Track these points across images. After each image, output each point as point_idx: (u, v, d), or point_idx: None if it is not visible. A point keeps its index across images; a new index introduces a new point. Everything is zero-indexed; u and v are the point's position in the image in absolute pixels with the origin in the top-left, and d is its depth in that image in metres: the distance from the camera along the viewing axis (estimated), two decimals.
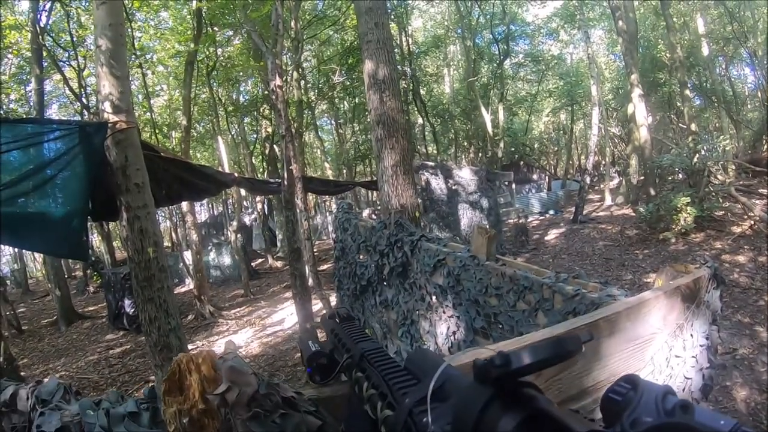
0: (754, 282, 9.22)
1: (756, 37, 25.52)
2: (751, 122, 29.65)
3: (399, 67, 25.94)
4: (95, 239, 29.15)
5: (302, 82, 22.53)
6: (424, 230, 6.79)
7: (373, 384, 0.87)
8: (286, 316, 12.34)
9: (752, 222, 12.65)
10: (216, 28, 16.96)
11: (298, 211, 8.70)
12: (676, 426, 0.45)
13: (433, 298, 3.83)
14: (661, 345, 1.78)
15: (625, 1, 19.95)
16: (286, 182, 8.31)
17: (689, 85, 25.11)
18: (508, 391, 0.55)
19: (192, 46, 14.20)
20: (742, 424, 0.46)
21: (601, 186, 28.42)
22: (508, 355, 0.52)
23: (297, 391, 1.35)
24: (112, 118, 4.51)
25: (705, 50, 25.14)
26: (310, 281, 10.06)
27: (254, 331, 11.83)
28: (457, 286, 3.42)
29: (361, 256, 5.27)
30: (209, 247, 21.59)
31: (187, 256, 17.62)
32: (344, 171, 30.84)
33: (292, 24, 16.11)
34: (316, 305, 9.80)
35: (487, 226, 14.08)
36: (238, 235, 18.59)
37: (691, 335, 1.88)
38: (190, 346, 10.63)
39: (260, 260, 23.45)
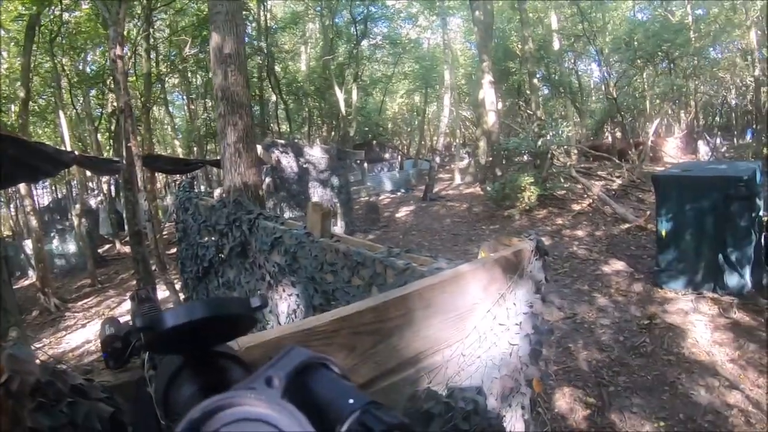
0: (592, 254, 9.91)
1: (604, 37, 27.39)
2: (595, 112, 32.07)
3: (255, 42, 25.35)
4: None
5: (152, 54, 21.31)
6: (268, 209, 6.63)
7: (153, 365, 0.87)
8: None
9: (591, 200, 13.59)
10: None
11: (138, 191, 8.18)
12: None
13: (273, 276, 3.68)
14: (484, 314, 1.76)
15: None
16: (125, 160, 7.80)
17: (538, 76, 26.51)
18: (198, 360, 0.54)
19: (35, 8, 12.96)
20: (375, 407, 0.44)
21: (452, 166, 29.54)
22: (158, 316, 0.48)
23: (87, 378, 1.21)
24: None
25: (556, 45, 26.66)
26: (155, 266, 9.54)
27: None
28: (294, 263, 3.30)
29: (203, 238, 5.03)
30: (52, 234, 19.93)
31: (28, 244, 16.25)
32: (195, 149, 29.81)
33: None
34: (164, 292, 9.31)
35: (338, 204, 14.25)
36: (83, 220, 17.45)
37: (514, 304, 1.87)
38: (35, 345, 9.81)
39: (108, 246, 22.09)
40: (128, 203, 7.96)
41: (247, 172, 6.17)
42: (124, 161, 7.97)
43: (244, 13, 24.13)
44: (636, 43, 23.33)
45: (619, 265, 9.05)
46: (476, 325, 1.72)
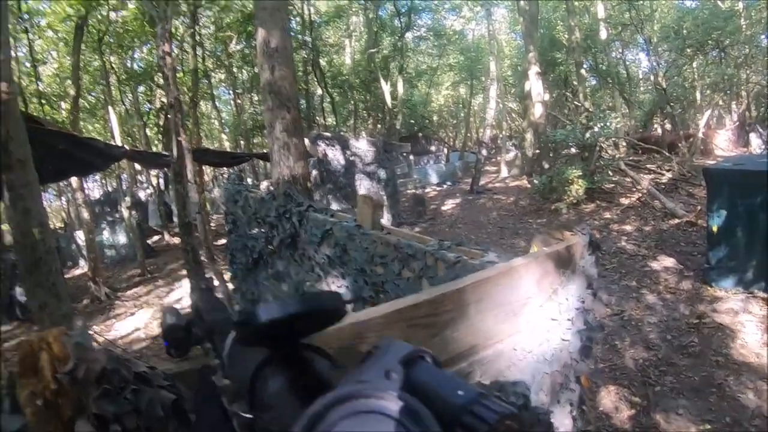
0: (640, 249, 9.74)
1: (652, 25, 26.79)
2: (643, 103, 31.34)
3: (299, 36, 25.53)
4: None
5: (199, 50, 21.68)
6: (316, 201, 6.69)
7: (218, 354, 0.87)
8: (184, 294, 11.97)
9: (640, 194, 13.34)
10: None
11: (188, 184, 8.36)
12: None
13: (322, 268, 3.73)
14: (536, 309, 1.76)
15: None
16: (175, 154, 7.98)
17: (585, 66, 26.11)
18: (284, 353, 0.56)
19: (83, 9, 13.32)
20: (485, 398, 0.44)
21: (498, 158, 29.29)
22: (253, 311, 0.51)
23: (150, 366, 1.26)
24: None
25: (603, 34, 26.10)
26: (204, 257, 9.74)
27: (153, 312, 11.42)
28: (344, 255, 3.34)
29: (253, 229, 5.11)
30: (103, 226, 20.49)
31: (80, 236, 16.74)
32: (242, 142, 30.19)
33: None
34: (213, 281, 9.49)
35: (385, 197, 14.28)
36: (133, 212, 17.87)
37: (567, 299, 1.86)
38: (96, 332, 10.12)
39: (157, 237, 22.59)
40: (179, 196, 8.15)
41: (295, 164, 6.27)
42: (175, 155, 8.15)
43: (288, 7, 24.46)
44: (685, 31, 22.77)
45: (668, 261, 8.87)
46: (528, 320, 1.73)
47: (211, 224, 16.84)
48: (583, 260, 1.95)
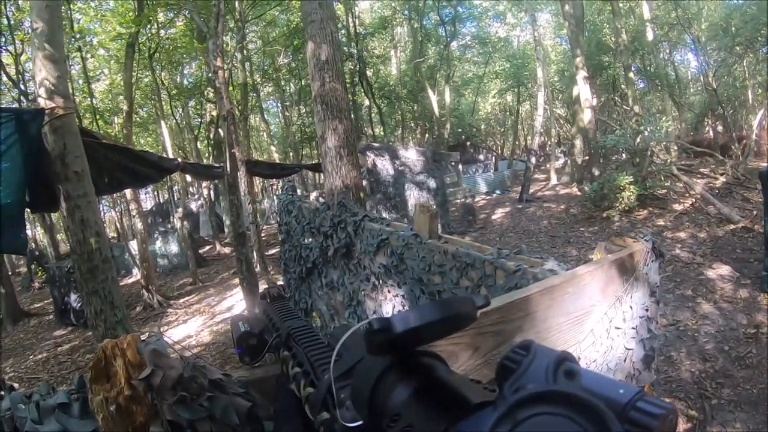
0: (695, 257, 9.50)
1: (699, 24, 26.22)
2: (694, 105, 30.64)
3: (345, 48, 25.81)
4: (38, 232, 28.27)
5: (247, 64, 22.13)
6: (368, 211, 6.76)
7: (298, 362, 0.88)
8: (235, 302, 12.15)
9: (693, 200, 13.05)
10: (158, 9, 16.42)
11: (241, 195, 8.54)
12: (557, 394, 0.40)
13: (378, 278, 3.78)
14: (600, 317, 1.76)
15: None
16: (228, 166, 8.16)
17: (633, 69, 25.64)
18: (404, 360, 0.55)
19: (133, 27, 13.74)
20: (645, 393, 0.42)
21: (547, 166, 28.94)
22: (388, 319, 0.49)
23: (225, 373, 1.31)
24: (49, 103, 4.32)
25: (650, 35, 25.64)
26: (257, 266, 9.91)
27: (204, 320, 11.63)
28: (400, 265, 3.38)
29: (306, 239, 5.20)
30: (155, 236, 21.03)
31: (133, 245, 17.20)
32: (290, 154, 30.63)
33: (236, 4, 15.77)
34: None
35: (434, 207, 14.25)
36: (185, 222, 18.26)
37: (631, 307, 1.87)
38: (171, 339, 10.39)
39: (208, 247, 23.06)
40: (232, 206, 8.31)
41: (348, 174, 6.35)
42: (228, 167, 8.33)
43: (335, 20, 24.76)
44: (733, 28, 22.12)
45: (724, 269, 8.62)
46: (593, 328, 1.73)
47: (262, 235, 17.08)
48: (646, 267, 1.96)
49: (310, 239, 5.07)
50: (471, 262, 2.62)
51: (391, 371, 0.55)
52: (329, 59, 7.07)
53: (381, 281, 3.73)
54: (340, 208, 4.36)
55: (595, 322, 1.75)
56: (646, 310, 1.95)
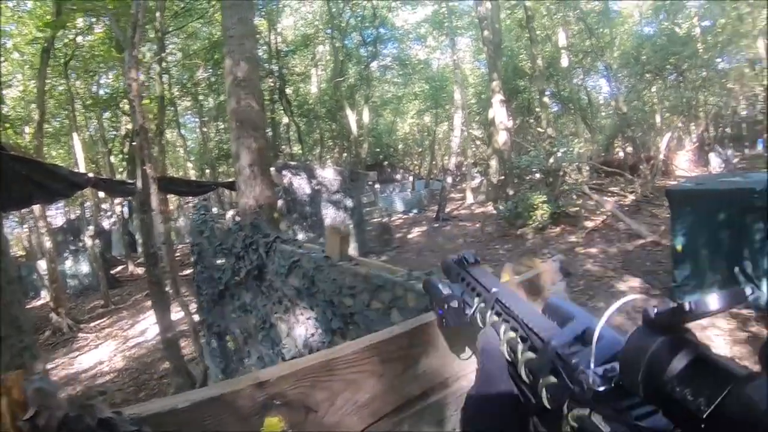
0: (607, 271, 9.84)
1: (612, 52, 27.51)
2: (605, 128, 32.11)
3: (266, 65, 25.60)
4: None
5: (165, 77, 21.56)
6: (282, 231, 6.62)
7: (512, 327, 0.90)
8: (149, 326, 11.73)
9: (604, 217, 13.56)
10: (76, 14, 15.74)
11: (153, 213, 8.22)
12: None
13: (290, 300, 3.67)
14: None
15: (492, 11, 20.73)
16: (140, 183, 7.85)
17: (548, 93, 26.60)
18: (675, 336, 0.60)
19: (49, 31, 13.17)
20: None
21: (463, 185, 29.52)
22: (682, 305, 0.56)
23: (116, 411, 1.18)
24: None
25: (565, 62, 26.72)
26: (171, 287, 9.56)
27: (117, 344, 11.17)
28: (312, 287, 3.29)
29: (219, 260, 5.04)
30: (65, 255, 20.08)
31: (42, 265, 16.36)
32: (207, 171, 30.01)
33: (157, 14, 15.36)
34: (178, 313, 9.30)
35: (351, 226, 14.24)
36: (96, 241, 17.53)
37: None
38: (48, 366, 9.81)
39: (121, 267, 22.20)
40: (143, 225, 8.00)
41: (262, 194, 6.21)
42: (140, 184, 8.02)
43: (256, 37, 24.51)
44: (644, 57, 23.42)
45: (634, 281, 8.96)
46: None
47: (177, 254, 16.57)
48: (554, 287, 1.94)
49: (223, 260, 4.92)
50: (382, 284, 2.57)
51: (664, 346, 0.59)
52: (246, 76, 6.95)
53: (293, 303, 3.64)
54: (253, 229, 4.24)
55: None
56: None
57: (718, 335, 6.36)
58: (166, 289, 8.77)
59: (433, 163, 42.61)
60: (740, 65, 26.88)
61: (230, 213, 7.17)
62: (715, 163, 24.49)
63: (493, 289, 1.03)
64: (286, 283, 3.67)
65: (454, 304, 1.13)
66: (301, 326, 3.58)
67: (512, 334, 0.88)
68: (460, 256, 1.26)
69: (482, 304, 1.04)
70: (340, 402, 1.25)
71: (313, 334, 3.44)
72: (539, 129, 22.89)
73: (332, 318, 3.11)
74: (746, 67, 25.83)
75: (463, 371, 1.59)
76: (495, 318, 0.97)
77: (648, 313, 0.60)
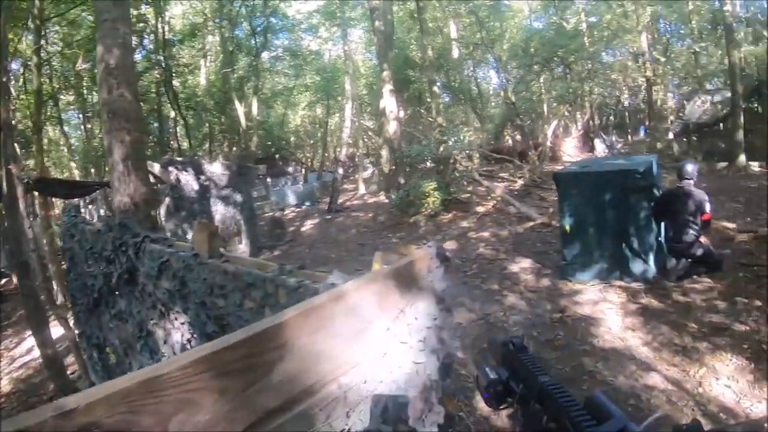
0: (499, 254, 10.07)
1: (502, 44, 28.33)
2: (494, 117, 33.24)
3: (153, 55, 24.60)
4: None
5: (45, 69, 20.09)
6: (168, 231, 6.26)
7: (553, 417, 0.95)
8: (35, 343, 10.88)
9: (495, 202, 13.88)
10: None
11: (21, 218, 7.56)
12: None
13: (164, 304, 3.38)
14: (383, 333, 1.59)
15: (384, 2, 20.77)
16: (5, 186, 7.19)
17: (439, 84, 27.06)
18: None
19: None
20: None
21: (356, 176, 29.66)
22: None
23: None
24: None
25: (455, 53, 27.22)
26: (58, 298, 8.88)
27: (3, 366, 10.29)
28: (183, 288, 3.02)
29: (92, 266, 4.65)
30: None
31: None
32: (92, 170, 28.44)
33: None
34: (57, 328, 8.64)
35: (242, 221, 13.88)
36: None
37: (416, 318, 1.71)
38: None
39: (5, 280, 20.64)
40: (10, 232, 7.33)
41: (137, 190, 5.81)
42: (4, 187, 7.35)
43: (140, 25, 23.34)
44: (533, 49, 24.21)
45: (526, 262, 9.22)
46: (375, 347, 1.55)
47: (62, 262, 15.61)
48: (430, 275, 1.81)
49: (95, 266, 4.54)
50: (252, 281, 2.36)
51: None
52: (119, 64, 6.50)
53: (167, 308, 3.35)
54: (121, 229, 3.90)
55: (376, 339, 1.57)
56: (434, 319, 1.79)
57: (610, 308, 6.57)
58: (41, 301, 8.12)
59: (326, 154, 42.53)
60: (624, 58, 28.38)
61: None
62: (600, 149, 26.01)
63: (538, 378, 1.07)
64: (158, 287, 3.38)
65: (499, 388, 1.19)
66: (177, 332, 3.30)
67: (553, 424, 0.94)
68: (507, 339, 1.28)
69: (525, 391, 1.11)
70: (174, 427, 1.05)
71: (189, 340, 3.18)
72: (430, 119, 23.20)
73: (206, 321, 2.86)
74: (629, 60, 27.21)
75: (331, 375, 1.41)
76: (538, 406, 1.02)
77: None
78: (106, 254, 4.11)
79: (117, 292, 4.16)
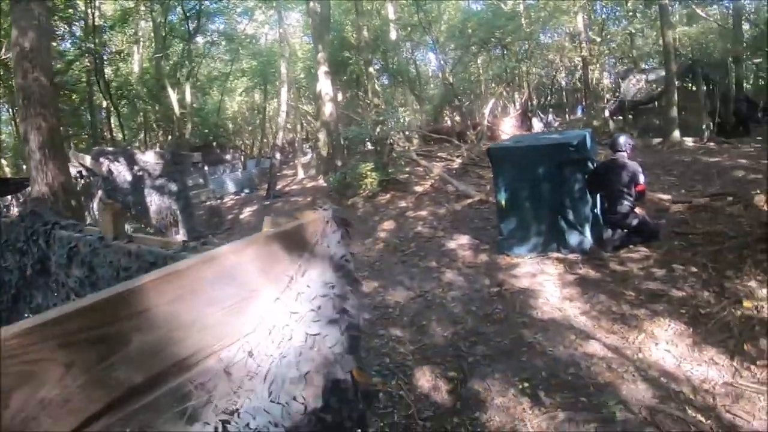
0: (437, 231, 10.16)
1: (439, 26, 28.49)
2: (433, 98, 33.26)
3: (83, 43, 23.81)
4: None
5: None
6: (65, 217, 6.04)
7: None
8: None
9: (432, 181, 13.95)
10: None
11: None
12: None
13: (76, 293, 3.25)
14: (271, 302, 1.52)
15: None
16: None
17: (376, 65, 27.00)
18: None
19: None
20: None
21: (295, 161, 29.49)
22: None
23: None
24: None
25: (393, 35, 27.10)
26: None
27: None
28: (91, 274, 2.90)
29: (7, 261, 4.45)
30: None
31: None
32: (24, 167, 27.37)
33: None
34: None
35: (178, 211, 13.59)
36: None
37: (308, 286, 1.63)
38: None
39: None
40: None
41: (56, 179, 5.59)
42: None
43: (69, 11, 22.46)
44: (470, 30, 24.46)
45: (464, 239, 9.32)
46: (263, 317, 1.48)
47: None
48: (326, 239, 1.74)
49: (11, 259, 4.34)
50: (154, 260, 2.28)
51: None
52: (34, 47, 6.22)
53: (80, 297, 3.22)
54: (33, 218, 3.74)
55: (263, 309, 1.49)
56: (332, 287, 1.71)
57: (548, 280, 6.67)
58: None
59: (264, 141, 41.97)
60: (561, 39, 28.87)
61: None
62: (538, 127, 26.67)
63: None
64: (69, 275, 3.25)
65: None
66: None
67: None
68: None
69: None
70: (16, 404, 0.96)
71: None
72: (368, 101, 23.15)
73: None
74: (566, 41, 27.68)
75: (209, 347, 1.33)
76: None
77: None
78: (20, 245, 3.94)
79: (33, 285, 4.00)
